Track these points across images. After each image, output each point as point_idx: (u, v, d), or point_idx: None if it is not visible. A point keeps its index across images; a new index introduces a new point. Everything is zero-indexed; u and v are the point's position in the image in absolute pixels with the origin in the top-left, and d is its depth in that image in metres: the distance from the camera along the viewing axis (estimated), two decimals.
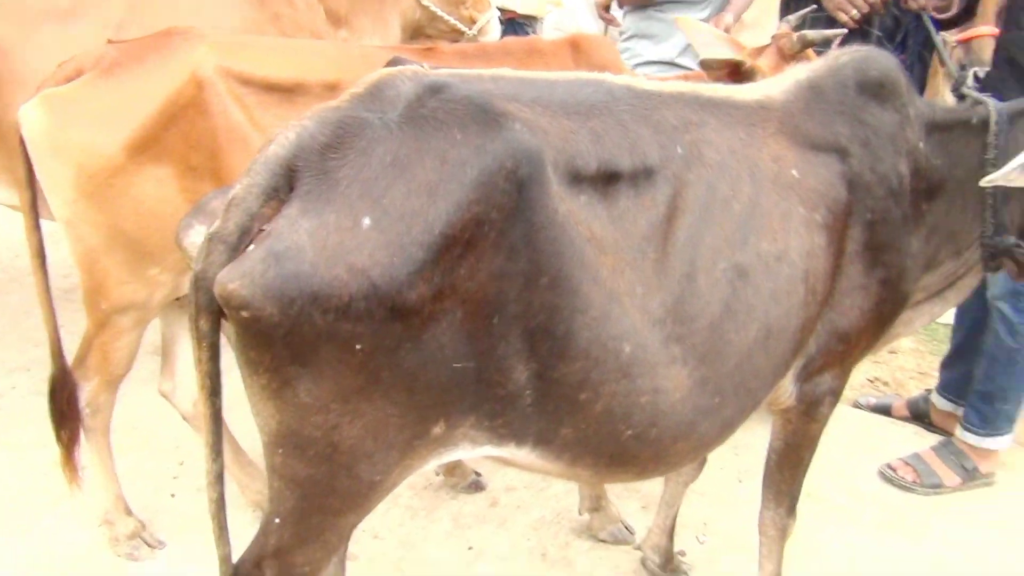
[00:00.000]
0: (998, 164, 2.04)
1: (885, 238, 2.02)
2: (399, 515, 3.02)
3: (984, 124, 2.08)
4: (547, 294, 1.54)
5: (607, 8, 4.32)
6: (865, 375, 4.26)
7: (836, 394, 2.17)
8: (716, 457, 3.32)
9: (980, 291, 3.29)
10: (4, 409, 3.40)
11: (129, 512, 2.79)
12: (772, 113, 1.92)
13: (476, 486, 3.17)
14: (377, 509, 2.91)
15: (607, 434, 1.71)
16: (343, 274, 1.38)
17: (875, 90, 2.00)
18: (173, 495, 3.04)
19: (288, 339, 1.40)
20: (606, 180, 1.62)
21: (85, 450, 2.70)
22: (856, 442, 3.57)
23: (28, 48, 2.84)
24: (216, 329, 1.48)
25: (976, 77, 2.18)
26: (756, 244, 1.77)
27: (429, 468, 1.74)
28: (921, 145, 2.07)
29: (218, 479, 1.63)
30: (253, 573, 1.71)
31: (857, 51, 2.04)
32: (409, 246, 1.41)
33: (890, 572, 2.89)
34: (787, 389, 2.09)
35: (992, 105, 2.08)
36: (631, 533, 2.93)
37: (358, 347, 1.43)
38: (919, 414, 3.75)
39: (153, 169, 2.26)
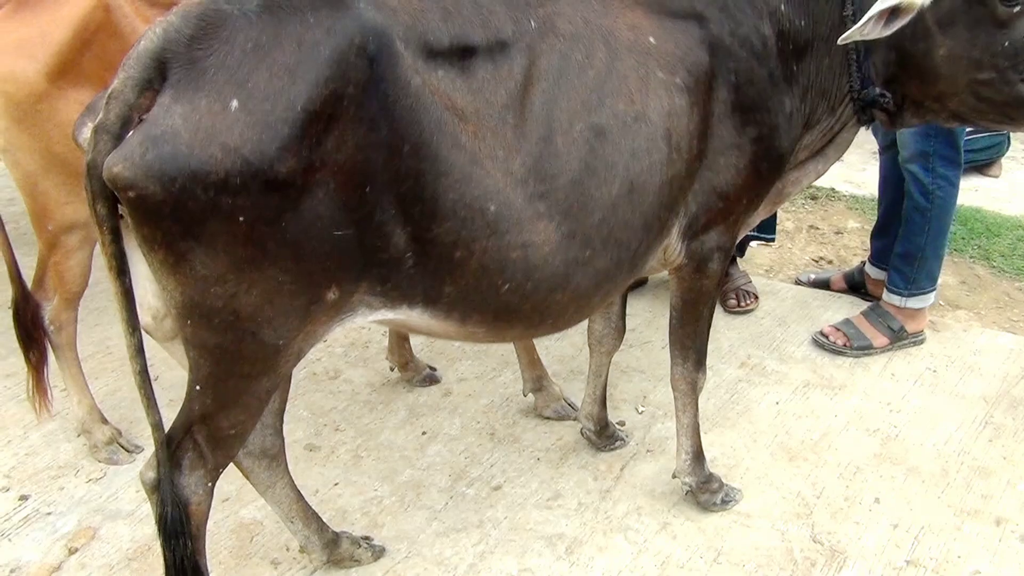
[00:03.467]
0: (856, 18, 2.16)
1: (753, 98, 2.16)
2: (358, 409, 3.23)
3: None
4: (411, 160, 1.71)
5: None
6: (810, 255, 4.42)
7: (724, 250, 2.33)
8: (659, 336, 3.54)
9: (898, 160, 3.44)
10: None
11: (104, 421, 3.00)
12: None
13: (430, 379, 3.37)
14: (336, 406, 3.20)
15: (486, 289, 1.89)
16: (217, 152, 1.54)
17: None
18: None
19: (175, 215, 1.57)
20: (461, 54, 1.77)
21: (56, 373, 2.91)
22: (792, 314, 3.76)
23: None
24: (113, 213, 1.65)
25: None
26: (613, 106, 1.92)
27: (335, 333, 1.92)
28: (783, 7, 2.20)
29: (138, 352, 1.82)
30: (184, 439, 1.92)
31: None
32: (275, 123, 1.57)
33: (810, 424, 3.09)
34: (675, 248, 2.26)
35: None
36: (574, 409, 3.13)
37: (241, 219, 1.60)
38: (855, 285, 3.92)
39: (75, 92, 2.41)
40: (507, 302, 1.93)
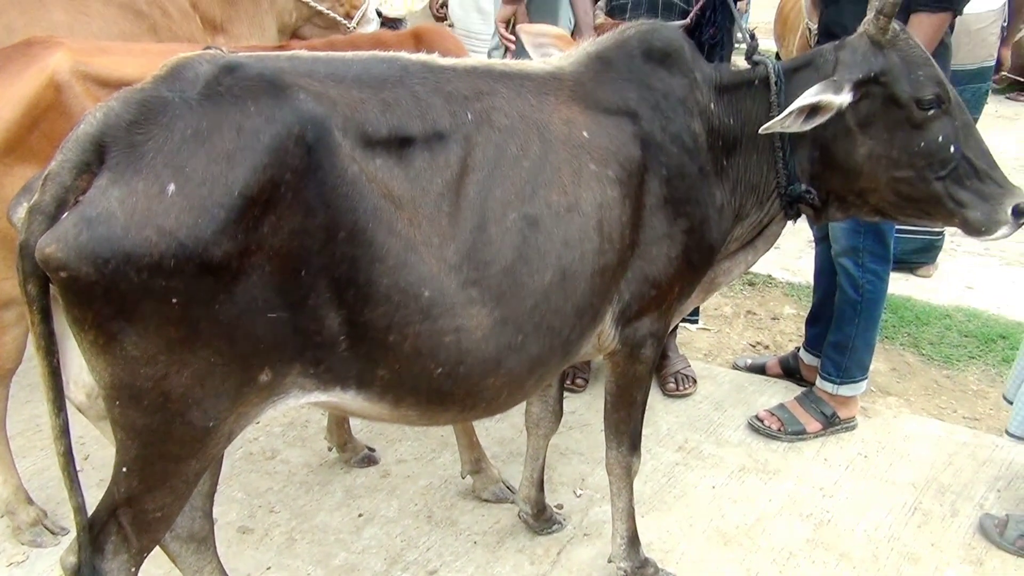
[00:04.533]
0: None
1: (684, 191, 2.24)
2: (294, 491, 3.19)
3: (766, 83, 2.31)
4: (346, 246, 1.74)
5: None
6: (747, 340, 4.51)
7: (657, 336, 2.38)
8: (598, 419, 3.56)
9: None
10: None
11: (30, 501, 2.92)
12: (564, 83, 2.14)
13: (369, 460, 3.34)
14: (272, 487, 3.15)
15: (419, 372, 1.91)
16: (152, 235, 1.56)
17: (661, 58, 2.23)
18: None
19: (107, 296, 1.58)
20: (399, 144, 1.83)
21: None
22: (728, 399, 3.81)
23: None
24: (44, 293, 1.65)
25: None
26: (546, 196, 1.98)
27: (266, 415, 1.92)
28: (712, 106, 2.30)
29: (63, 433, 1.80)
30: (108, 522, 1.88)
31: (642, 24, 2.27)
32: (212, 208, 1.60)
33: (747, 508, 3.12)
34: (609, 334, 2.30)
35: (771, 65, 2.31)
36: (512, 492, 3.12)
37: (174, 300, 1.61)
38: (790, 370, 4.00)
39: (21, 169, 2.41)
40: (440, 386, 1.95)
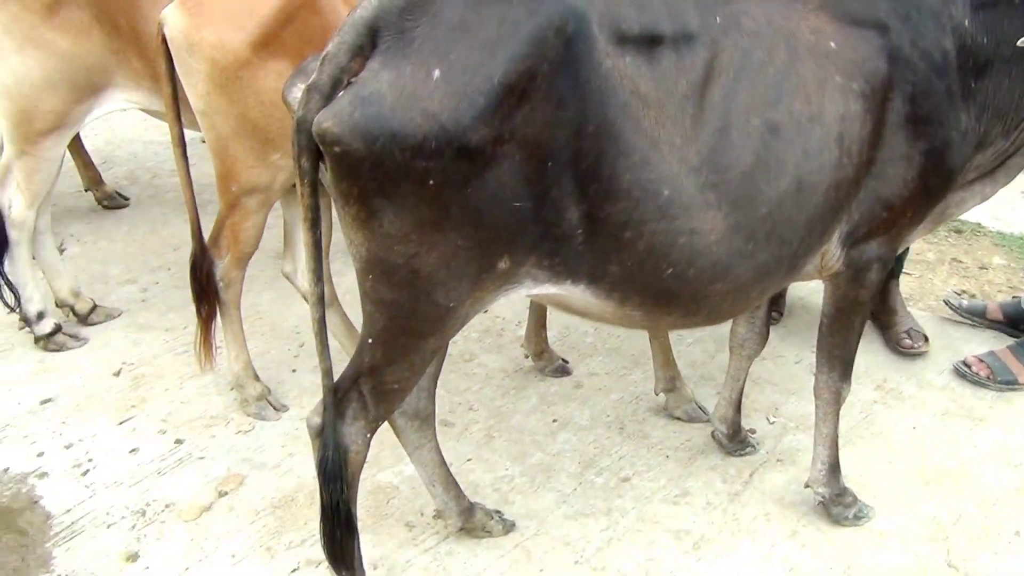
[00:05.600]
0: None
1: (928, 111, 2.15)
2: (491, 392, 3.32)
3: None
4: (593, 140, 1.78)
5: None
6: (952, 287, 4.29)
7: (884, 261, 2.32)
8: (792, 352, 3.52)
9: None
10: (150, 299, 3.87)
11: (257, 378, 3.18)
12: None
13: (562, 371, 3.43)
14: (471, 387, 3.31)
15: (650, 271, 1.94)
16: (417, 117, 1.66)
17: None
18: (294, 370, 3.43)
19: (373, 172, 1.69)
20: (649, 43, 1.84)
21: (219, 331, 3.11)
22: (932, 343, 3.64)
23: None
24: (315, 167, 1.78)
25: None
26: (789, 104, 1.95)
27: (498, 302, 2.01)
28: (967, 23, 2.18)
29: (319, 301, 1.94)
30: (350, 389, 2.04)
31: None
32: (472, 94, 1.67)
33: (948, 452, 3.02)
34: (834, 254, 2.26)
35: None
36: (704, 413, 3.15)
37: (431, 182, 1.71)
38: (1013, 319, 3.75)
39: (274, 63, 2.59)
40: (668, 287, 1.98)
